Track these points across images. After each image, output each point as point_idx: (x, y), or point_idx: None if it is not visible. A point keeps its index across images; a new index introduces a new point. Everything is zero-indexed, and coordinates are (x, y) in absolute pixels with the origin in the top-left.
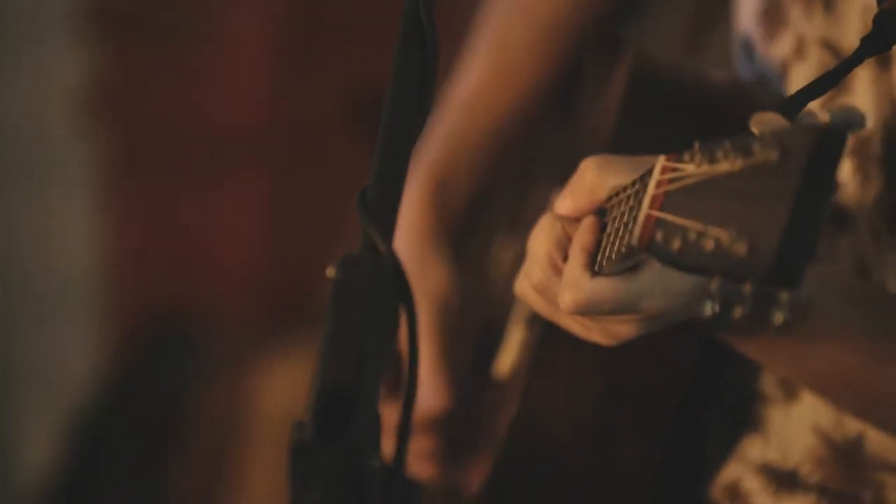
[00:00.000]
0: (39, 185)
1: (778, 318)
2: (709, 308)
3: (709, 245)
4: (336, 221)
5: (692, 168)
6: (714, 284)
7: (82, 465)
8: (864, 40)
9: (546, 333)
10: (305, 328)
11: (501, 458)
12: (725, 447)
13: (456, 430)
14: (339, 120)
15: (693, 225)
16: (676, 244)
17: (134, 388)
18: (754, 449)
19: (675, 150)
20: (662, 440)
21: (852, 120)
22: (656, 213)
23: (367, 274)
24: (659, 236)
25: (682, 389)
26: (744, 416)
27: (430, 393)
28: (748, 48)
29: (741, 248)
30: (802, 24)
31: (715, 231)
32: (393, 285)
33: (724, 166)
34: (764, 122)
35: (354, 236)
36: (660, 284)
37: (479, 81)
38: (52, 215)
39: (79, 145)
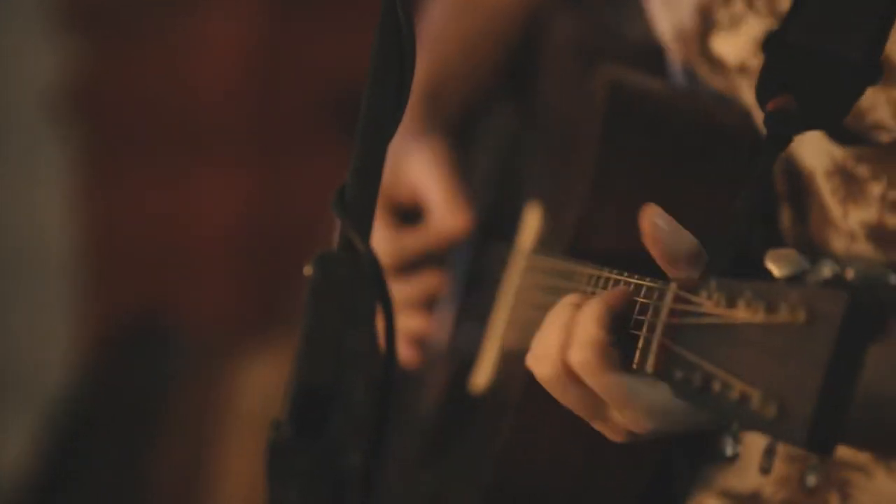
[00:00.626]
0: (14, 180)
1: (811, 479)
2: (730, 449)
3: (734, 396)
4: (313, 219)
5: (709, 306)
6: (736, 427)
7: (59, 463)
8: (765, 145)
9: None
10: (283, 326)
11: (487, 489)
12: (693, 475)
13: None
14: (317, 117)
15: (716, 372)
16: (697, 384)
17: (110, 385)
18: (719, 476)
19: (658, 179)
20: (649, 471)
21: (878, 280)
22: (671, 345)
23: (344, 272)
24: (678, 373)
25: None
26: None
27: (448, 214)
28: (690, 75)
29: (771, 411)
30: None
31: (741, 385)
32: (371, 284)
33: (744, 314)
34: (780, 259)
35: (331, 234)
36: (667, 409)
37: (443, 18)
38: (27, 210)
39: (54, 139)
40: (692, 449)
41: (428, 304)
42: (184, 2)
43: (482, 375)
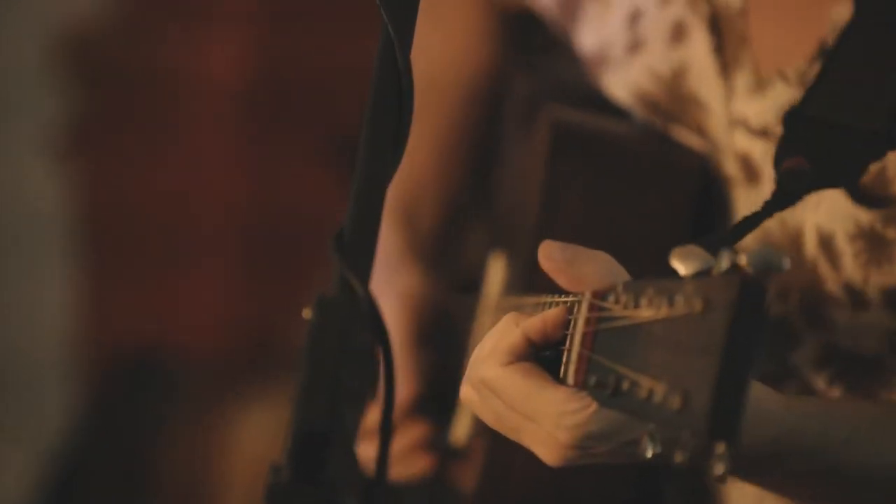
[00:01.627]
0: (14, 235)
1: (718, 468)
2: (649, 450)
3: (642, 394)
4: (311, 263)
5: (617, 309)
6: (651, 428)
7: (56, 501)
8: (771, 200)
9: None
10: (281, 370)
11: None
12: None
13: (437, 419)
14: (313, 160)
15: (626, 371)
16: (610, 387)
17: (107, 428)
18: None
19: (601, 213)
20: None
21: (771, 262)
22: (588, 353)
23: (343, 316)
24: (592, 379)
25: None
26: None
27: (399, 382)
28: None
29: (675, 402)
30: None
31: (648, 382)
32: (370, 327)
33: (648, 313)
34: (685, 256)
35: (329, 278)
36: (600, 424)
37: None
38: (27, 270)
39: (54, 189)
40: (680, 487)
41: (424, 448)
42: (183, 50)
43: (461, 428)
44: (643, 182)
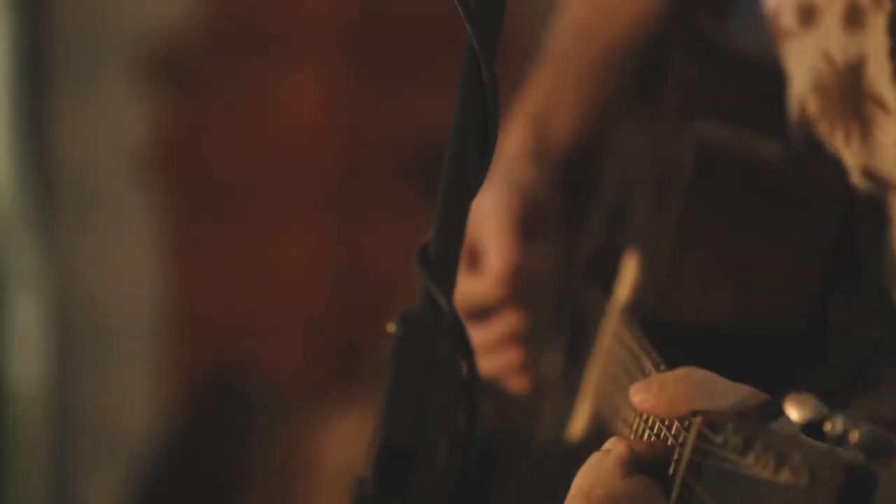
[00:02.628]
0: (101, 238)
1: None
2: None
3: None
4: (394, 276)
5: (727, 452)
6: None
7: None
8: None
9: None
10: (365, 383)
11: None
12: None
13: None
14: (398, 173)
15: None
16: None
17: (193, 446)
18: None
19: (742, 237)
20: None
21: (884, 448)
22: (692, 482)
23: (427, 330)
24: None
25: None
26: None
27: (492, 257)
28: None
29: None
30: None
31: None
32: (454, 342)
33: (755, 468)
34: (799, 404)
35: (413, 291)
36: None
37: (574, 25)
38: (112, 268)
39: (139, 197)
40: None
41: (517, 340)
42: (268, 60)
43: (577, 427)
44: (787, 210)
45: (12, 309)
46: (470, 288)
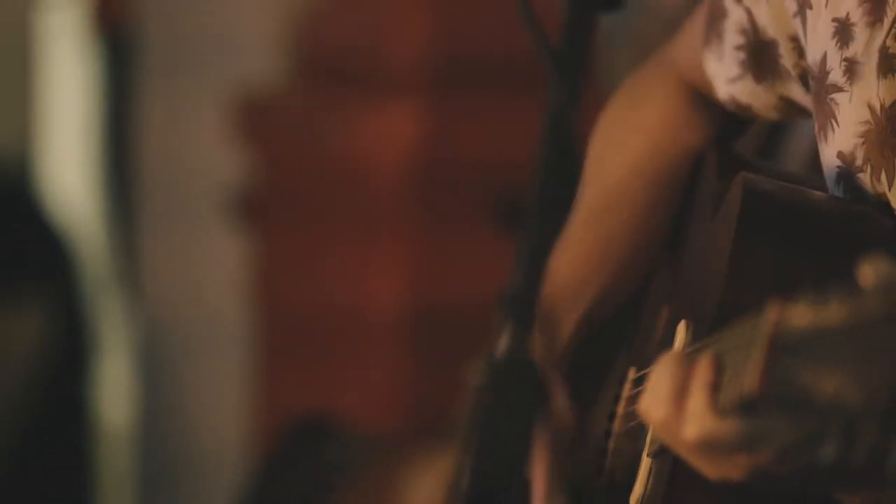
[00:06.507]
0: (191, 277)
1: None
2: (831, 450)
3: (824, 397)
4: (482, 318)
5: (802, 318)
6: (834, 427)
7: None
8: None
9: (675, 469)
10: (451, 428)
11: None
12: None
13: None
14: (480, 221)
15: (807, 376)
16: (792, 394)
17: (281, 481)
18: None
19: (790, 284)
20: None
21: None
22: (770, 361)
23: (511, 378)
24: (774, 385)
25: None
26: None
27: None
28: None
29: (855, 398)
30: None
31: (827, 383)
32: (535, 389)
33: (835, 315)
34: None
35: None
36: (774, 428)
37: (585, 208)
38: (201, 307)
39: (229, 237)
40: None
41: None
42: (353, 103)
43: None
44: (835, 258)
45: (104, 349)
46: None
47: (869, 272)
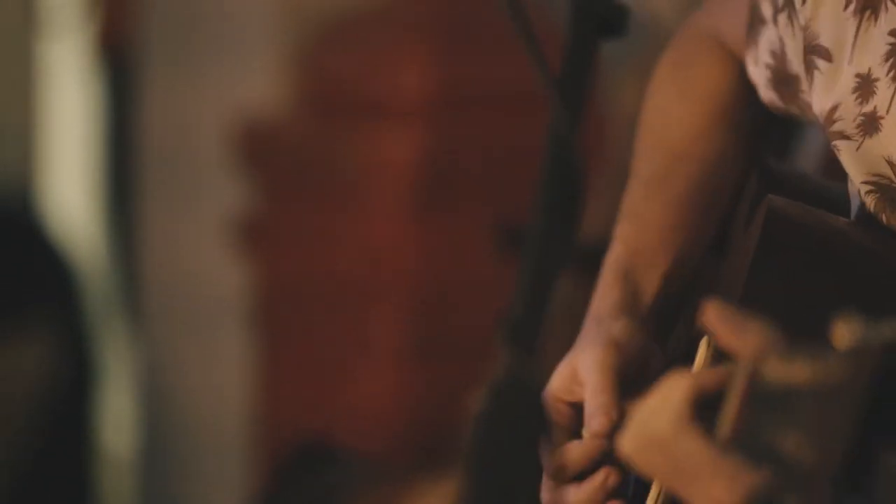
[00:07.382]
0: (191, 324)
1: None
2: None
3: (785, 452)
4: (479, 350)
5: (774, 371)
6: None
7: None
8: None
9: None
10: (451, 457)
11: None
12: None
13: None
14: (483, 249)
15: (773, 429)
16: (760, 444)
17: None
18: None
19: (802, 309)
20: None
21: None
22: (743, 409)
23: (512, 403)
24: (745, 434)
25: None
26: None
27: (595, 413)
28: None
29: (810, 457)
30: None
31: (789, 439)
32: (537, 414)
33: (799, 374)
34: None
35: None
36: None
37: (647, 176)
38: (201, 351)
39: (228, 276)
40: None
41: (614, 497)
42: (356, 137)
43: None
44: (854, 283)
45: (107, 375)
46: (573, 449)
47: (842, 332)
